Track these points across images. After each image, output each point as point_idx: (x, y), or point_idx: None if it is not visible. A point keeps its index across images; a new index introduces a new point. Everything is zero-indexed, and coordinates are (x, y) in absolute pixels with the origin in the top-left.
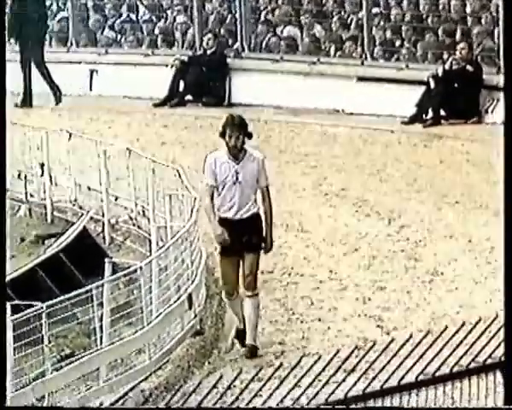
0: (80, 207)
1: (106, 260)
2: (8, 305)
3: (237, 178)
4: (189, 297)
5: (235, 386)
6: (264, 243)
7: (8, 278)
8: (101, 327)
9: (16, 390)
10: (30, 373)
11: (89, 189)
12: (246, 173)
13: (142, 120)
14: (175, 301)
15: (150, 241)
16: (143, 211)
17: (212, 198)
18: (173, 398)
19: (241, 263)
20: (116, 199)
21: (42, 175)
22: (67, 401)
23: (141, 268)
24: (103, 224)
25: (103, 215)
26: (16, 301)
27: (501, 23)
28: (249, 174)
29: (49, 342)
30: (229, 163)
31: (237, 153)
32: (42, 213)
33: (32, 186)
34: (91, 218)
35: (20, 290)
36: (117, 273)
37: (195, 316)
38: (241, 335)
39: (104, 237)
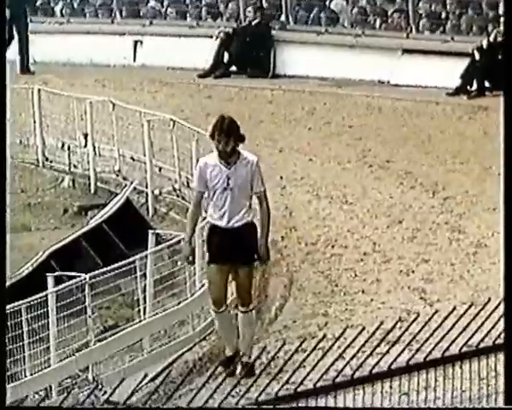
0: (124, 178)
1: (149, 231)
2: (51, 276)
3: (228, 184)
4: None
5: (278, 357)
6: (259, 253)
7: (51, 249)
8: (144, 298)
9: (60, 361)
10: (73, 344)
11: (132, 159)
12: (238, 178)
13: (186, 90)
14: None
15: None
16: (187, 182)
17: (197, 206)
18: (217, 369)
19: (230, 275)
20: (160, 170)
21: (85, 146)
22: (111, 373)
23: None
24: (147, 195)
25: (147, 186)
26: (59, 273)
27: None
28: (242, 179)
29: (93, 313)
30: (220, 168)
31: (228, 157)
32: (85, 184)
33: (76, 157)
34: (135, 189)
35: (63, 262)
36: (160, 245)
37: None
38: (229, 362)
39: (148, 208)
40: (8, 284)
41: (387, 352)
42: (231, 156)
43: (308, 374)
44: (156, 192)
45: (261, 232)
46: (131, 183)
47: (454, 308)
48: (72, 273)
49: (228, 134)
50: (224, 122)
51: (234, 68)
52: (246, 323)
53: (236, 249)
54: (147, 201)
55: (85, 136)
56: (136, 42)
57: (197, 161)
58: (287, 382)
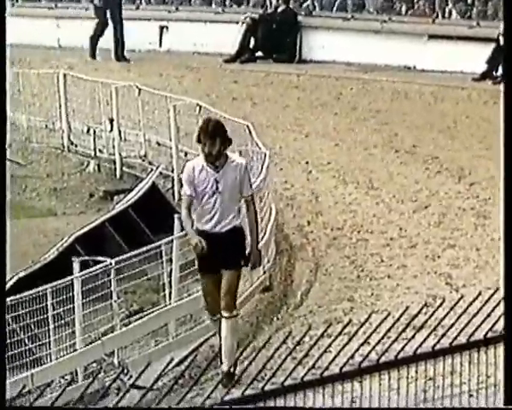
0: (149, 163)
1: (175, 216)
2: (76, 261)
3: (217, 188)
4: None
5: (304, 342)
6: (248, 259)
7: (77, 234)
8: (170, 283)
9: (86, 345)
10: (99, 329)
11: (158, 144)
12: (226, 182)
13: (212, 75)
14: None
15: None
16: None
17: (189, 209)
18: (243, 353)
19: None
20: (186, 155)
21: (111, 130)
22: (136, 357)
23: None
24: (173, 179)
25: (173, 171)
26: (85, 257)
27: None
28: (230, 183)
29: (118, 297)
30: (208, 171)
31: (215, 160)
32: (111, 169)
33: (101, 141)
34: (161, 173)
35: (88, 246)
36: None
37: (264, 272)
38: (228, 377)
39: (173, 193)
40: (34, 268)
41: (413, 337)
42: (218, 159)
43: (334, 359)
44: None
45: (250, 237)
46: (157, 168)
47: (479, 294)
48: (98, 258)
49: (213, 136)
50: (210, 124)
51: (260, 54)
52: (230, 329)
53: (223, 255)
54: (173, 185)
55: (111, 121)
56: (162, 27)
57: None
58: (312, 366)
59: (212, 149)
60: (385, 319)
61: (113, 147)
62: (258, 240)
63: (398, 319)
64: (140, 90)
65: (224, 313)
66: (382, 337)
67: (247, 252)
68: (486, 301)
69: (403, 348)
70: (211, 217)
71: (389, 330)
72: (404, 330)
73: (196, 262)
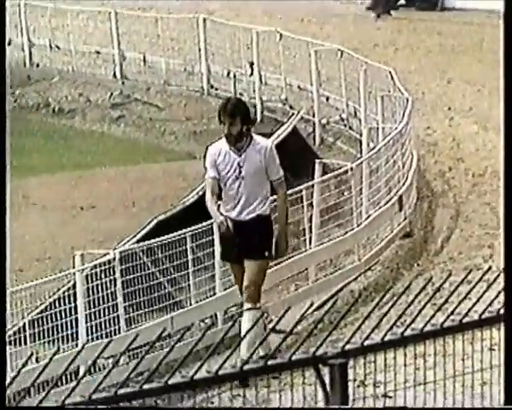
0: (290, 107)
1: (316, 160)
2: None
3: (240, 172)
4: (400, 199)
5: (443, 288)
6: (275, 247)
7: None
8: (310, 228)
9: (225, 289)
10: None
11: (299, 88)
12: (250, 166)
13: (354, 22)
14: (385, 203)
15: (361, 142)
16: (355, 112)
17: (213, 191)
18: (383, 299)
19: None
20: (327, 99)
21: (251, 74)
22: (276, 301)
23: (352, 169)
24: (314, 124)
25: (314, 115)
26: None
27: None
28: (254, 167)
29: None
30: (230, 155)
31: (236, 142)
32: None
33: (242, 85)
34: (302, 118)
35: None
36: (327, 174)
37: (405, 218)
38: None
39: (314, 138)
40: (173, 212)
41: None
42: (239, 141)
43: (473, 306)
44: (323, 121)
45: (278, 224)
46: (298, 112)
47: None
48: None
49: (232, 115)
50: (229, 103)
51: (402, 1)
52: (251, 321)
53: (246, 245)
54: (314, 130)
55: (251, 64)
56: None
57: (364, 91)
58: (452, 313)
59: (232, 130)
60: None
61: (254, 91)
62: (286, 228)
63: None
64: (281, 35)
65: (246, 304)
66: None
67: (273, 241)
68: None
69: None
70: (235, 203)
71: None
72: None
73: (220, 250)
